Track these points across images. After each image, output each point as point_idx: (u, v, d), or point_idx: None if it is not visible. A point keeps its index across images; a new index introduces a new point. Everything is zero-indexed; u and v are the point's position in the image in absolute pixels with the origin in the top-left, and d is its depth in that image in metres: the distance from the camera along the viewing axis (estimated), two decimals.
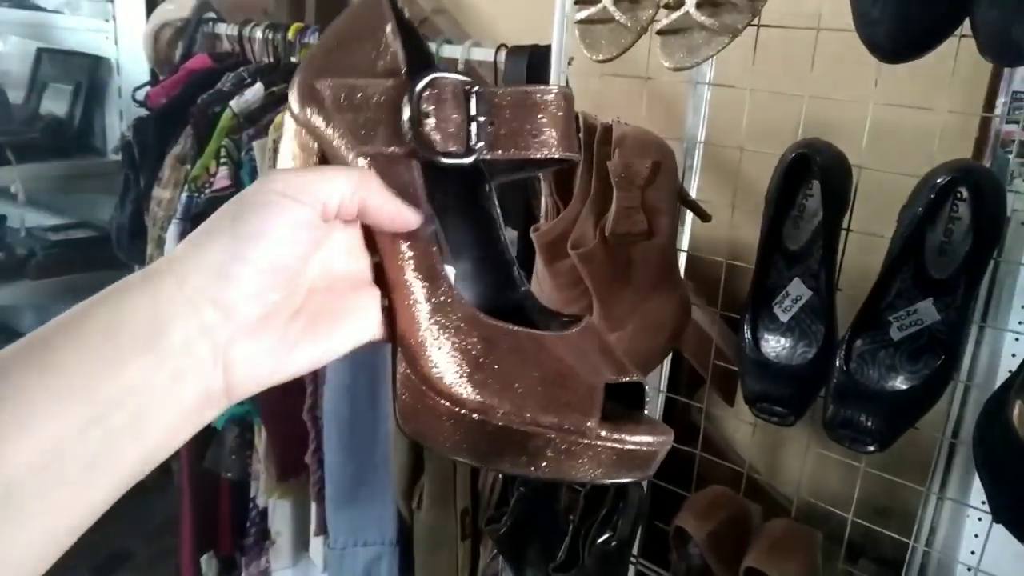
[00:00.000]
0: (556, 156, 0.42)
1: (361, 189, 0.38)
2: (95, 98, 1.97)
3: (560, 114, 0.41)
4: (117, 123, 1.94)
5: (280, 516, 1.55)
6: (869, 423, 0.83)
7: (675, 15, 0.81)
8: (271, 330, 0.35)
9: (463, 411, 0.37)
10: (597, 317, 0.97)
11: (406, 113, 0.40)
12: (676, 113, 1.01)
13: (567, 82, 1.05)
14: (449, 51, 1.27)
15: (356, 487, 1.39)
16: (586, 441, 0.37)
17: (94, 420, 0.29)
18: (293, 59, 1.47)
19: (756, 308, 0.91)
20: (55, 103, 1.96)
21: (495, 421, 0.37)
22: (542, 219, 1.02)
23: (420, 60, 0.44)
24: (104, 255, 1.75)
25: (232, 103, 1.39)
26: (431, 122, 0.40)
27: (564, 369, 0.39)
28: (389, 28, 0.42)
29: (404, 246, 0.40)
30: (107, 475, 0.30)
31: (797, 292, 0.89)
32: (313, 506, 1.43)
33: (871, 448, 0.83)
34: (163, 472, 1.62)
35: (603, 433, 0.38)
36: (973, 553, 0.93)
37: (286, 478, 1.44)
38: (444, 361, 0.38)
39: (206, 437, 1.50)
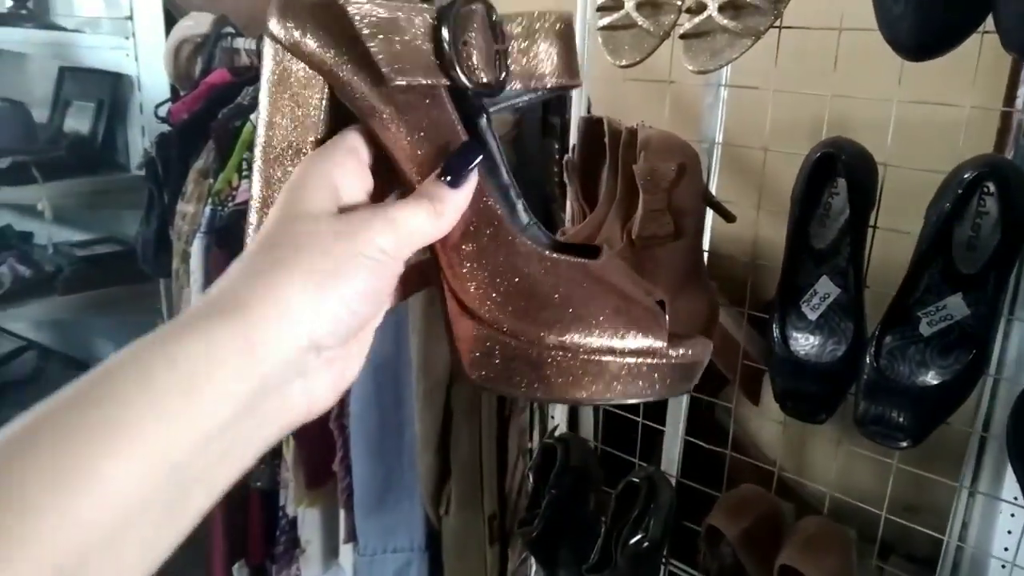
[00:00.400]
0: (564, 83, 0.41)
1: (446, 224, 0.37)
2: (117, 115, 2.00)
3: (564, 40, 0.41)
4: (140, 139, 1.96)
5: (309, 524, 1.56)
6: (901, 419, 0.84)
7: (697, 19, 0.82)
8: (342, 355, 0.36)
9: (539, 351, 0.37)
10: None
11: (447, 41, 0.37)
12: (699, 116, 1.02)
13: (584, 85, 1.06)
14: None
15: (384, 494, 1.40)
16: (656, 361, 0.38)
17: (180, 464, 0.28)
18: None
19: (784, 307, 0.92)
20: (78, 121, 1.99)
21: (577, 355, 0.37)
22: (568, 223, 1.03)
23: None
24: (130, 269, 1.77)
25: (252, 116, 1.41)
26: (470, 51, 0.38)
27: (626, 294, 0.40)
28: None
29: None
30: (203, 494, 0.30)
31: (825, 290, 0.90)
32: (342, 514, 1.45)
33: (904, 444, 0.84)
34: None
35: (673, 352, 0.39)
36: (1007, 550, 0.93)
37: (314, 486, 1.46)
38: (515, 301, 0.38)
39: None
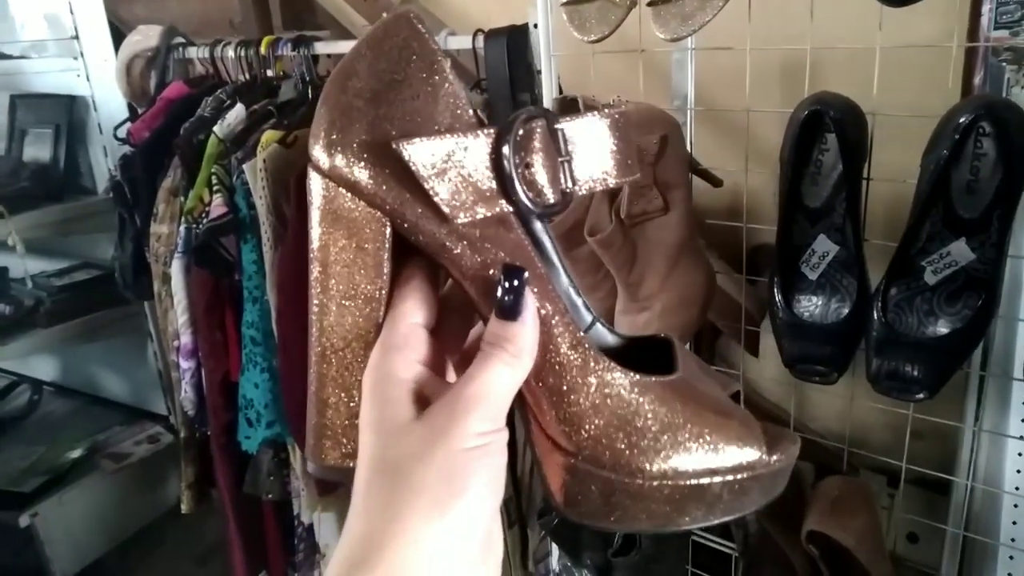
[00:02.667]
0: (623, 181, 0.39)
1: (528, 362, 0.36)
2: (76, 138, 1.94)
3: (621, 134, 0.38)
4: (103, 159, 1.91)
5: (326, 529, 1.56)
6: (915, 372, 0.82)
7: None
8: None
9: (640, 483, 0.35)
10: (621, 300, 0.95)
11: (509, 168, 0.35)
12: (675, 82, 0.98)
13: (552, 63, 1.02)
14: None
15: None
16: (756, 473, 0.36)
17: None
18: (269, 73, 1.44)
19: (783, 270, 0.89)
20: (37, 148, 1.93)
21: (680, 482, 0.35)
22: None
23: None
24: (111, 293, 1.74)
25: (216, 129, 1.36)
26: (534, 172, 0.36)
27: (719, 407, 0.37)
28: (448, 66, 0.36)
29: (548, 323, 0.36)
30: None
31: (823, 248, 0.87)
32: None
33: (920, 396, 0.82)
34: (200, 498, 1.62)
35: (771, 459, 0.37)
36: (1018, 489, 0.92)
37: (327, 492, 1.44)
38: (610, 434, 0.35)
39: (242, 463, 1.49)
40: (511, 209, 0.36)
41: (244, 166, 1.27)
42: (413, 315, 0.36)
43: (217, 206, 1.33)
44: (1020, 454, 0.93)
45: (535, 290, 0.36)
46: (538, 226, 0.38)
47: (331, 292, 0.37)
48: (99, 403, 2.31)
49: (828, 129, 0.82)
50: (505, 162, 0.35)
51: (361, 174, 0.35)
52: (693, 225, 0.95)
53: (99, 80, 1.83)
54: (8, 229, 1.72)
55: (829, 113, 0.79)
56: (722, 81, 0.98)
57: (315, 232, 0.37)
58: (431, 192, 0.34)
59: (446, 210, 0.34)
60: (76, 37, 1.80)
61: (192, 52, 1.52)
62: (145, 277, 1.54)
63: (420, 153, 0.34)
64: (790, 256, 0.89)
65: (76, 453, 2.00)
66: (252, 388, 1.35)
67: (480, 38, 1.15)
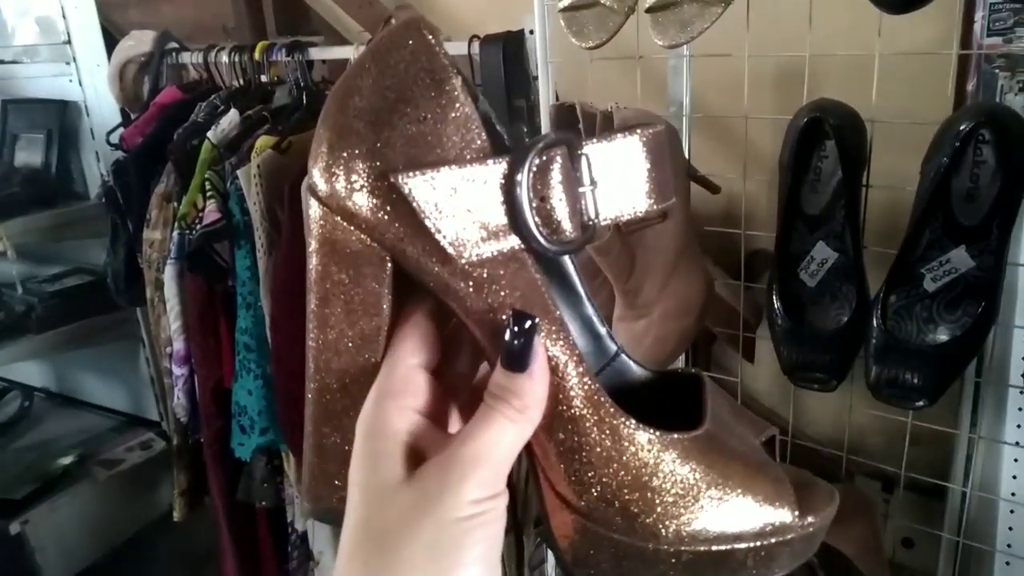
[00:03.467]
0: (656, 209, 0.34)
1: (535, 418, 0.32)
2: (68, 143, 1.92)
3: (655, 157, 0.34)
4: (95, 164, 1.89)
5: (320, 536, 1.54)
6: (915, 379, 0.82)
7: None
8: None
9: (655, 548, 0.32)
10: (619, 307, 0.95)
11: (524, 204, 0.31)
12: (672, 89, 0.98)
13: (548, 69, 1.02)
14: None
15: None
16: (787, 537, 0.33)
17: None
18: (263, 78, 1.43)
19: (782, 277, 0.89)
20: (29, 154, 1.91)
21: (699, 547, 0.32)
22: None
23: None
24: (104, 299, 1.72)
25: (209, 134, 1.35)
26: (552, 206, 0.32)
27: (749, 464, 0.34)
28: (460, 84, 0.32)
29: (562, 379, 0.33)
30: None
31: (822, 255, 0.87)
32: None
33: (920, 404, 0.82)
34: (192, 505, 1.61)
35: (803, 523, 0.33)
36: (1014, 495, 0.92)
37: None
38: (624, 494, 0.32)
39: (235, 470, 1.48)
40: (523, 247, 0.32)
41: (238, 172, 1.26)
42: (413, 356, 0.33)
43: (211, 212, 1.32)
44: (1016, 460, 0.92)
45: (548, 337, 0.32)
46: (565, 259, 0.35)
47: (327, 327, 0.34)
48: (91, 409, 2.29)
49: (827, 136, 0.82)
50: (517, 195, 0.31)
51: (360, 204, 0.32)
52: (691, 232, 0.94)
53: (92, 85, 1.81)
54: None
55: (829, 120, 0.79)
56: (719, 87, 0.98)
57: (312, 261, 0.34)
58: (433, 230, 0.31)
59: (450, 250, 0.31)
60: (68, 42, 1.78)
61: (186, 57, 1.51)
62: (137, 284, 1.53)
63: (422, 188, 0.31)
64: (789, 263, 0.89)
65: (67, 460, 1.98)
66: (245, 395, 1.34)
67: (476, 44, 1.14)
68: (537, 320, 0.32)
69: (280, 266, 1.18)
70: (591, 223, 0.32)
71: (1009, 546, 0.93)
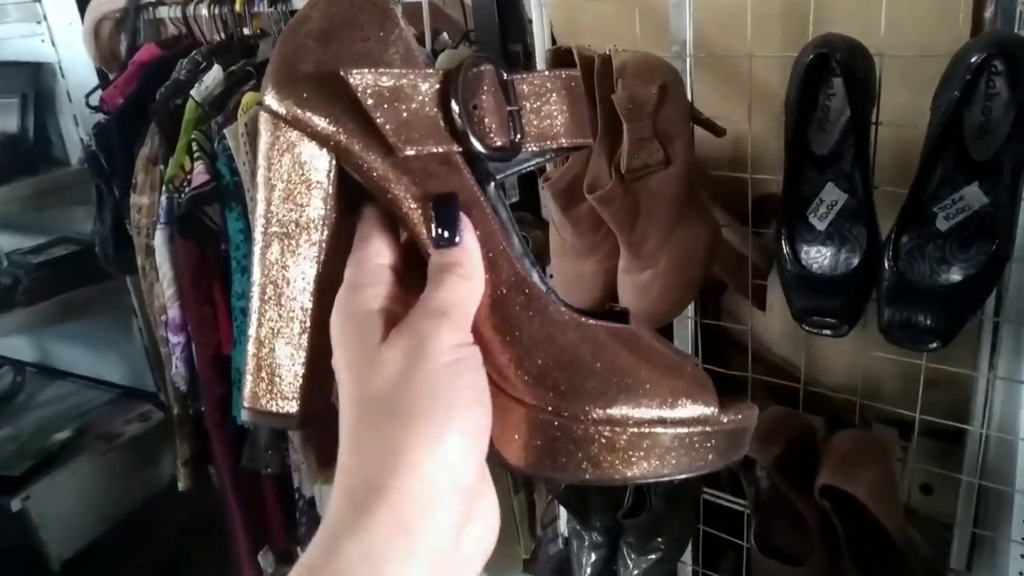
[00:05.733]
0: (576, 143, 0.39)
1: (479, 281, 0.36)
2: (44, 107, 1.87)
3: (573, 97, 0.39)
4: (74, 129, 1.85)
5: (329, 500, 1.54)
6: (928, 321, 0.80)
7: None
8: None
9: (585, 427, 0.34)
10: (624, 259, 0.93)
11: (456, 106, 0.36)
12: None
13: (544, 12, 0.98)
14: None
15: None
16: (708, 429, 0.36)
17: None
18: (246, 31, 1.39)
19: (790, 221, 0.87)
20: (3, 119, 1.86)
21: (628, 427, 0.34)
22: (549, 166, 0.97)
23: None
24: (92, 268, 1.70)
25: (193, 92, 1.31)
26: (482, 114, 0.36)
27: (671, 360, 0.37)
28: (400, 13, 0.37)
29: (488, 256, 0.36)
30: None
31: (832, 197, 0.85)
32: None
33: (933, 345, 0.80)
34: (196, 475, 1.60)
35: (724, 418, 0.36)
36: None
37: (328, 464, 1.42)
38: (555, 374, 0.35)
39: (239, 438, 1.47)
40: (458, 148, 0.36)
41: (225, 131, 1.23)
42: (379, 255, 0.36)
43: (199, 174, 1.29)
44: None
45: (478, 227, 0.36)
46: (491, 190, 0.38)
47: (272, 228, 0.36)
48: (85, 383, 2.27)
49: (834, 73, 0.79)
50: (453, 100, 0.35)
51: (308, 108, 0.35)
52: (695, 178, 0.92)
53: (65, 45, 1.76)
54: None
55: (835, 56, 0.76)
56: (720, 24, 0.95)
57: (260, 171, 0.37)
58: (377, 120, 0.34)
59: (392, 140, 0.35)
60: (38, 0, 1.72)
61: (163, 12, 1.46)
62: (126, 251, 1.50)
63: (369, 82, 0.34)
64: (797, 206, 0.86)
65: (64, 435, 1.97)
66: None
67: None
68: (457, 193, 0.36)
69: None
70: (517, 140, 0.37)
71: None
